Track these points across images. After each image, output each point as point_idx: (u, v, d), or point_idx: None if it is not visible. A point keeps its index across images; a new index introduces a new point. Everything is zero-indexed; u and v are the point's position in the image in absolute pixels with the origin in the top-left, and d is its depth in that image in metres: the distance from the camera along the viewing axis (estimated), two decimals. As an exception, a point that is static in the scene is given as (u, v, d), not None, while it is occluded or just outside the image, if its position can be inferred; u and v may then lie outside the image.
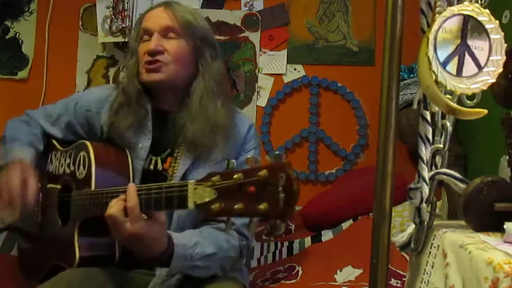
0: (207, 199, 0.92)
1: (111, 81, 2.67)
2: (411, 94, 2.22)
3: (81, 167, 1.33)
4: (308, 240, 2.04)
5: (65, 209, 1.36)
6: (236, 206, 0.88)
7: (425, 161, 0.92)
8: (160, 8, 1.39)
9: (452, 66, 0.83)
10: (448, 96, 0.85)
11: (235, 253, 1.33)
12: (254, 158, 0.90)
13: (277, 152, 0.88)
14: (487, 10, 0.85)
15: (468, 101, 0.88)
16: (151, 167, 1.37)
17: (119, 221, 1.08)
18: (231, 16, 2.61)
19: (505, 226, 0.85)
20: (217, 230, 1.31)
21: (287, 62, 2.60)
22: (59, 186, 1.42)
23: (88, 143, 1.36)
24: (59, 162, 1.45)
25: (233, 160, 0.93)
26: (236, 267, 1.38)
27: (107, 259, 1.29)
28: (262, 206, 0.84)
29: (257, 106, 2.60)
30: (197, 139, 1.32)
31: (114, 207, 1.09)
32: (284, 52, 2.60)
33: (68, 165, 1.40)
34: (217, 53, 1.43)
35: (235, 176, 0.89)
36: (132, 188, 1.09)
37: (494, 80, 0.85)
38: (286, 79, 2.61)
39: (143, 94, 1.39)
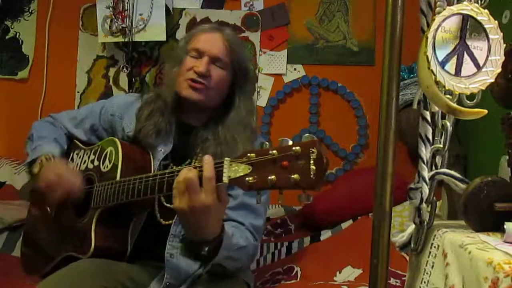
0: (241, 174, 0.98)
1: (111, 81, 2.67)
2: (411, 94, 2.22)
3: (107, 160, 1.39)
4: (307, 240, 2.04)
5: (85, 200, 1.40)
6: (269, 178, 0.94)
7: (425, 161, 0.92)
8: (218, 34, 1.47)
9: (450, 66, 0.83)
10: (448, 96, 0.85)
11: (252, 251, 1.38)
12: (285, 139, 0.97)
13: (308, 134, 0.95)
14: (486, 10, 0.85)
15: (468, 101, 0.89)
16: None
17: (195, 187, 1.04)
18: (231, 16, 2.61)
19: (505, 226, 0.85)
20: (234, 228, 1.35)
21: (287, 62, 2.60)
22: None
23: (117, 139, 1.42)
24: (82, 159, 1.51)
25: (267, 142, 1.00)
26: (244, 267, 1.42)
27: (119, 253, 1.34)
28: (294, 176, 0.92)
29: (257, 106, 2.60)
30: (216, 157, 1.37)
31: (192, 172, 1.05)
32: (284, 52, 2.60)
33: (92, 161, 1.46)
34: (254, 88, 1.56)
35: (271, 152, 0.95)
36: (209, 159, 1.05)
37: (493, 80, 0.85)
38: (286, 79, 2.61)
39: (174, 107, 1.47)
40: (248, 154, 0.98)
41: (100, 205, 1.32)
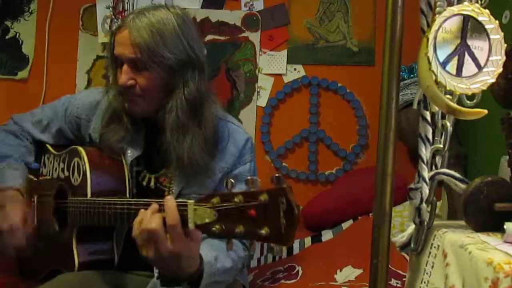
0: (207, 220, 0.91)
1: (111, 81, 2.66)
2: (411, 94, 2.22)
3: (76, 173, 1.31)
4: (308, 240, 2.04)
5: (62, 214, 1.35)
6: (237, 230, 0.87)
7: (425, 161, 0.92)
8: (126, 31, 1.25)
9: (451, 66, 0.83)
10: (448, 96, 0.85)
11: (241, 264, 1.32)
12: (254, 179, 0.88)
13: (278, 175, 0.86)
14: (487, 10, 0.85)
15: (468, 101, 0.89)
16: (144, 183, 1.35)
17: (161, 238, 0.96)
18: (231, 16, 2.61)
19: (505, 226, 0.85)
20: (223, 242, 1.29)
21: (287, 62, 2.60)
22: (54, 191, 1.41)
23: (82, 149, 1.33)
24: (53, 165, 1.44)
25: (232, 180, 0.92)
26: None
27: (106, 263, 1.29)
28: (264, 231, 0.85)
29: (257, 106, 2.60)
30: (180, 166, 1.29)
31: (155, 221, 0.96)
32: (284, 52, 2.60)
33: (62, 170, 1.38)
34: (196, 72, 1.30)
35: (235, 199, 0.88)
36: (171, 202, 0.97)
37: (494, 80, 0.85)
38: (286, 79, 2.61)
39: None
40: (212, 199, 0.90)
41: (75, 223, 1.26)
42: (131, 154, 1.33)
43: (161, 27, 1.25)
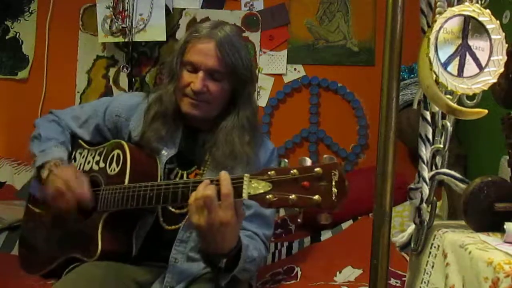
0: (261, 191, 0.99)
1: (111, 81, 2.67)
2: (411, 94, 2.22)
3: (114, 163, 1.38)
4: (307, 240, 2.04)
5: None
6: (290, 197, 0.95)
7: (425, 161, 0.92)
8: (212, 44, 1.36)
9: (453, 67, 0.83)
10: (448, 96, 0.85)
11: (262, 262, 1.39)
12: (305, 158, 0.98)
13: (328, 155, 0.96)
14: (487, 10, 0.85)
15: (468, 101, 0.89)
16: (176, 179, 1.41)
17: (214, 205, 1.05)
18: (231, 16, 2.61)
19: (505, 226, 0.85)
20: (249, 238, 1.34)
21: (287, 62, 2.60)
22: None
23: (124, 143, 1.41)
24: (85, 159, 1.50)
25: (286, 160, 1.01)
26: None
27: (124, 255, 1.34)
28: (316, 197, 0.94)
29: (257, 106, 2.60)
30: (220, 162, 1.38)
31: (210, 189, 1.06)
32: (284, 52, 2.61)
33: (97, 162, 1.44)
34: (254, 88, 1.50)
35: (291, 171, 0.96)
36: (226, 175, 1.07)
37: (495, 80, 0.85)
38: (286, 79, 2.61)
39: (178, 112, 1.43)
40: (268, 172, 0.99)
41: (107, 209, 1.31)
42: (166, 153, 1.42)
43: (238, 46, 1.40)
